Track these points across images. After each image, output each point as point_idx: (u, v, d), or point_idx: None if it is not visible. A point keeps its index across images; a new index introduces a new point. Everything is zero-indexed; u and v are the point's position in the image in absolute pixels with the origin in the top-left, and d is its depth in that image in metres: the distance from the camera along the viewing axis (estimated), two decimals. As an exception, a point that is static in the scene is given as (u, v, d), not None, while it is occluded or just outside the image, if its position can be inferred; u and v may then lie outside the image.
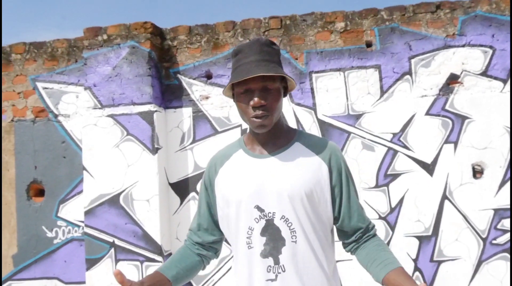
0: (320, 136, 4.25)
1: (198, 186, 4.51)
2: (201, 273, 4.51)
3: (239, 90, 1.57)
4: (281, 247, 1.55)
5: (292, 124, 4.42)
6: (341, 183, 1.63)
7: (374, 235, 1.67)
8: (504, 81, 4.24)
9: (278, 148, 1.63)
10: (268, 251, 1.55)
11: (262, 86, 1.54)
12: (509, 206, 4.18)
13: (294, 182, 1.56)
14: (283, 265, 1.55)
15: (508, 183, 4.19)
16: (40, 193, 4.77)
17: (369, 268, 1.61)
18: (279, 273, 1.55)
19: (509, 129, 4.21)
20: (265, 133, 1.61)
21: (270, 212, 1.56)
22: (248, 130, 1.71)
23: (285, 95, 1.65)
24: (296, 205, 1.55)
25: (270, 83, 1.55)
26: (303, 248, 1.56)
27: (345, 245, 1.69)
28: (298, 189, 1.56)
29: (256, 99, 1.54)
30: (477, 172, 4.26)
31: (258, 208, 1.57)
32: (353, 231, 1.64)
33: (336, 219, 1.65)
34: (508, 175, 4.20)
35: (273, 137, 1.64)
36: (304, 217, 1.56)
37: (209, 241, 1.73)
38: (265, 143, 1.64)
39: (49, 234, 4.67)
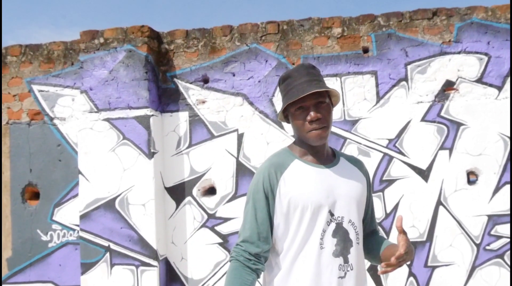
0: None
1: (194, 191, 4.52)
2: (196, 277, 4.51)
3: (294, 109, 1.73)
4: (349, 247, 1.74)
5: (289, 129, 4.43)
6: (370, 194, 1.91)
7: (378, 232, 2.01)
8: (499, 88, 4.27)
9: (330, 161, 1.81)
10: (339, 251, 1.72)
11: (315, 102, 1.71)
12: (502, 213, 4.21)
13: (358, 190, 1.79)
14: (351, 264, 1.73)
15: (502, 190, 4.23)
16: (35, 196, 4.76)
17: (372, 251, 1.87)
18: (348, 271, 1.73)
19: (503, 136, 4.24)
20: (319, 147, 1.78)
21: (339, 216, 1.74)
22: (295, 144, 1.84)
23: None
24: (358, 209, 1.78)
25: (322, 98, 1.72)
26: (362, 249, 1.81)
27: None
28: (360, 196, 1.79)
29: (313, 113, 1.70)
30: (471, 174, 4.29)
31: (330, 212, 1.73)
32: (370, 230, 1.93)
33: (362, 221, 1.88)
34: (502, 181, 4.23)
35: (325, 150, 1.82)
36: (360, 221, 1.81)
37: (266, 250, 1.77)
38: (319, 155, 1.80)
39: (44, 238, 4.66)
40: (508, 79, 4.26)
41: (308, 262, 1.72)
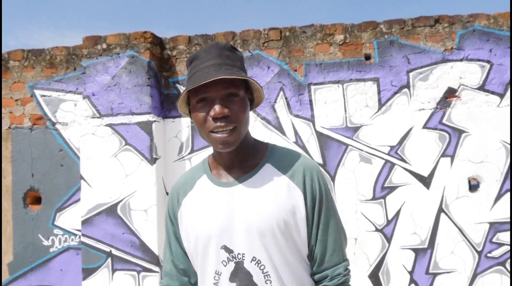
0: (319, 147, 4.27)
1: (196, 196, 4.51)
2: (198, 283, 4.49)
3: (195, 100, 1.31)
4: None
5: (290, 135, 4.43)
6: (317, 212, 1.35)
7: (344, 282, 1.36)
8: (501, 96, 4.28)
9: (245, 173, 1.37)
10: None
11: (224, 93, 1.29)
12: (504, 220, 4.21)
13: (264, 216, 1.30)
14: None
15: (504, 197, 4.23)
16: (37, 201, 4.76)
17: None
18: None
19: (505, 144, 4.24)
20: (229, 154, 1.36)
21: (239, 253, 1.31)
22: (213, 151, 1.44)
23: (251, 109, 1.40)
24: (268, 243, 1.30)
25: (234, 89, 1.30)
26: None
27: None
28: (269, 225, 1.29)
29: (217, 107, 1.27)
30: (472, 179, 4.29)
31: (226, 248, 1.32)
32: (320, 269, 1.37)
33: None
34: (504, 189, 4.23)
35: (239, 159, 1.38)
36: (278, 257, 1.31)
37: (189, 282, 1.47)
38: (231, 166, 1.38)
39: (46, 243, 4.66)
40: (510, 87, 4.26)
41: None
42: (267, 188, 1.33)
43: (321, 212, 1.35)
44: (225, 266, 1.32)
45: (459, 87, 4.32)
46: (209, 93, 1.28)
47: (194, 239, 1.36)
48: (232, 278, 1.31)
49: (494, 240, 4.23)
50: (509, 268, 4.21)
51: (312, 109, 4.44)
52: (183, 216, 1.41)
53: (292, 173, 1.36)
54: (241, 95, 1.32)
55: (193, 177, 1.44)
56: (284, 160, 1.39)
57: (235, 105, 1.30)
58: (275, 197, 1.32)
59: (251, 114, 4.48)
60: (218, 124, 1.28)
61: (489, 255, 4.23)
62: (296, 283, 1.33)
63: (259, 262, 1.30)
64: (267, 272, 1.30)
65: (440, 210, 4.28)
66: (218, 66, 1.29)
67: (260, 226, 1.29)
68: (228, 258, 1.32)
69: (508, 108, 4.26)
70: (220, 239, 1.32)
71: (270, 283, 1.30)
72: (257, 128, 4.48)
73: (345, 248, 1.41)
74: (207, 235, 1.33)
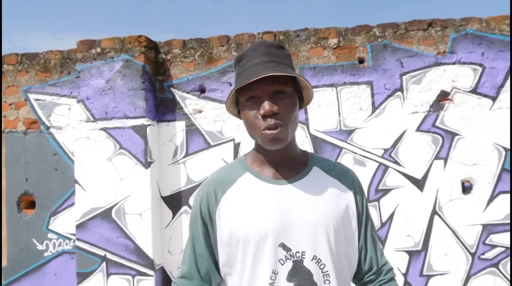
0: (313, 151, 4.29)
1: (191, 200, 4.52)
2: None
3: (244, 99, 1.30)
4: None
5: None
6: (364, 214, 1.41)
7: (390, 280, 1.43)
8: (494, 99, 4.31)
9: (296, 173, 1.36)
10: None
11: (273, 90, 1.27)
12: (497, 222, 4.24)
13: (327, 214, 1.30)
14: None
15: (496, 199, 4.26)
16: (31, 205, 4.75)
17: None
18: None
19: (498, 146, 4.27)
20: (279, 153, 1.34)
21: (298, 252, 1.27)
22: (254, 149, 1.41)
23: (300, 108, 1.38)
24: (330, 241, 1.29)
25: (282, 87, 1.28)
26: None
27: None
28: (331, 222, 1.30)
29: (266, 105, 1.25)
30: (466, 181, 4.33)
31: (284, 246, 1.27)
32: (369, 269, 1.40)
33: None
34: (497, 191, 4.27)
35: (288, 158, 1.37)
36: (336, 256, 1.31)
37: None
38: (279, 165, 1.36)
39: (40, 247, 4.65)
40: (502, 90, 4.30)
41: None
42: (321, 189, 1.34)
43: (367, 212, 1.41)
44: (282, 265, 1.27)
45: (451, 90, 4.35)
46: (257, 91, 1.27)
47: (242, 237, 1.29)
48: (290, 277, 1.26)
49: (487, 241, 4.26)
50: (502, 270, 4.23)
51: (306, 113, 4.46)
52: (224, 214, 1.33)
53: (340, 176, 1.39)
54: (289, 92, 1.30)
55: (230, 174, 1.38)
56: (327, 164, 1.42)
57: (284, 103, 1.28)
58: (331, 197, 1.34)
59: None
60: (268, 122, 1.26)
61: (482, 256, 4.26)
62: (343, 283, 1.33)
63: (319, 260, 1.28)
64: (326, 271, 1.28)
65: (434, 212, 4.31)
66: (266, 63, 1.28)
67: (324, 224, 1.29)
68: (286, 256, 1.27)
69: (501, 110, 4.29)
70: (277, 236, 1.27)
71: (329, 283, 1.28)
72: (251, 132, 4.48)
73: None
74: (262, 233, 1.27)
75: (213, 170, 1.44)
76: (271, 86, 1.26)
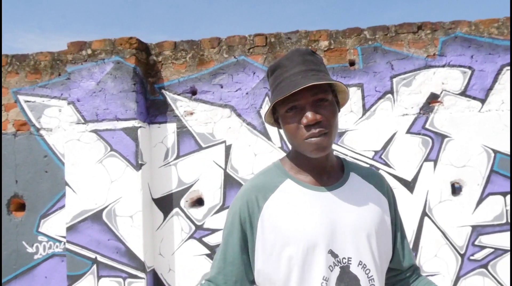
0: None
1: (182, 202, 4.52)
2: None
3: (285, 110, 1.30)
4: None
5: (276, 141, 4.46)
6: (396, 217, 1.46)
7: (420, 274, 1.52)
8: (483, 101, 4.36)
9: (336, 180, 1.38)
10: None
11: (314, 99, 1.28)
12: (486, 223, 4.29)
13: (369, 220, 1.34)
14: None
15: (485, 201, 4.30)
16: (21, 207, 4.72)
17: None
18: None
19: (487, 148, 4.32)
20: (319, 160, 1.35)
21: (345, 258, 1.29)
22: (291, 156, 1.42)
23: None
24: (373, 247, 1.32)
25: (323, 95, 1.29)
26: None
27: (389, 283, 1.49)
28: (374, 228, 1.33)
29: (310, 114, 1.26)
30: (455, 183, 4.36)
31: (332, 253, 1.28)
32: (405, 269, 1.47)
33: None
34: (486, 192, 4.31)
35: (328, 165, 1.38)
36: (378, 261, 1.34)
37: None
38: (320, 172, 1.37)
39: (30, 250, 4.62)
40: (491, 92, 4.35)
41: None
42: (361, 196, 1.37)
43: (398, 217, 1.47)
44: (331, 271, 1.28)
45: (441, 92, 4.39)
46: (298, 101, 1.27)
47: (290, 246, 1.29)
48: (338, 283, 1.28)
49: (476, 243, 4.29)
50: (491, 271, 4.28)
51: (297, 115, 4.46)
52: (266, 221, 1.32)
53: (375, 182, 1.43)
54: (330, 99, 1.31)
55: (271, 180, 1.38)
56: (362, 171, 1.45)
57: (326, 110, 1.29)
58: (370, 203, 1.36)
59: (237, 120, 4.50)
60: (312, 131, 1.27)
61: (471, 257, 4.29)
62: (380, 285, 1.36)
63: (365, 266, 1.30)
64: (371, 276, 1.31)
65: (424, 214, 4.34)
66: (305, 73, 1.28)
67: (367, 230, 1.32)
68: (334, 262, 1.29)
69: (490, 113, 4.33)
70: (326, 243, 1.28)
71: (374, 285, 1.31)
72: (242, 134, 4.50)
73: None
74: (313, 240, 1.28)
75: (251, 177, 1.44)
76: (312, 95, 1.27)
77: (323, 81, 1.25)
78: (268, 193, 1.34)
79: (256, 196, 1.35)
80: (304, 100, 1.27)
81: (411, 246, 4.28)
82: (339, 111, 1.37)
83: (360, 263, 1.30)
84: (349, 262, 1.29)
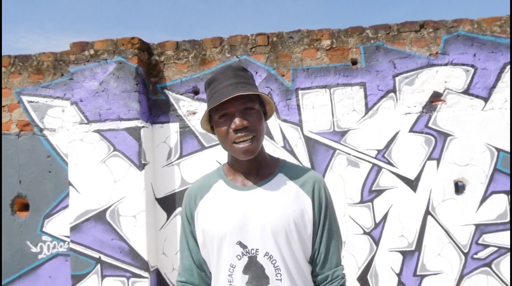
0: (307, 151, 4.31)
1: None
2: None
3: (217, 116, 1.50)
4: (265, 285, 1.48)
5: (279, 140, 4.47)
6: (323, 219, 1.56)
7: None
8: (486, 100, 4.35)
9: (261, 179, 1.56)
10: None
11: (242, 108, 1.48)
12: (489, 222, 4.28)
13: (278, 217, 1.49)
14: None
15: (489, 199, 4.29)
16: (25, 207, 4.73)
17: None
18: None
19: (490, 147, 4.31)
20: (248, 162, 1.54)
21: (253, 249, 1.49)
22: (228, 160, 1.62)
23: (264, 120, 1.59)
24: (280, 240, 1.48)
25: (250, 104, 1.50)
26: (289, 285, 1.50)
27: None
28: (282, 224, 1.49)
29: (237, 120, 1.47)
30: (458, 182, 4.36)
31: (241, 244, 1.49)
32: (322, 271, 1.56)
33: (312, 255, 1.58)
34: (489, 191, 4.30)
35: (256, 166, 1.57)
36: (288, 253, 1.49)
37: (209, 276, 1.61)
38: (248, 173, 1.57)
39: (34, 249, 4.64)
40: (494, 91, 4.33)
41: None
42: (279, 193, 1.53)
43: (326, 218, 1.56)
44: (239, 259, 1.49)
45: (444, 91, 4.38)
46: (229, 109, 1.47)
47: (210, 236, 1.52)
48: (245, 270, 1.48)
49: (480, 241, 4.29)
50: (495, 269, 4.27)
51: (299, 114, 4.47)
52: (200, 215, 1.57)
53: (302, 182, 1.57)
54: (256, 108, 1.51)
55: (208, 181, 1.61)
56: (294, 172, 1.60)
57: (252, 117, 1.49)
58: (286, 201, 1.52)
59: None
60: (239, 134, 1.47)
61: (475, 256, 4.29)
62: (301, 280, 1.52)
63: (271, 257, 1.48)
64: (278, 266, 1.48)
65: (427, 212, 4.34)
66: (235, 85, 1.49)
67: (274, 225, 1.48)
68: (242, 252, 1.49)
69: (493, 111, 4.33)
70: (235, 235, 1.49)
71: (280, 276, 1.48)
72: (245, 133, 4.49)
73: (341, 254, 1.62)
74: (223, 232, 1.50)
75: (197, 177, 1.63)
76: (240, 104, 1.47)
77: (249, 92, 1.46)
78: (204, 192, 1.59)
79: (195, 194, 1.60)
80: (234, 108, 1.47)
81: (414, 245, 4.29)
82: (266, 120, 1.58)
83: (267, 254, 1.48)
84: (257, 252, 1.48)
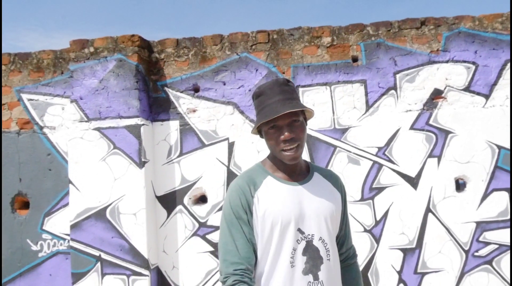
0: (307, 148, 4.31)
1: (185, 199, 4.52)
2: (188, 285, 4.48)
3: (268, 127, 1.77)
4: (320, 265, 1.77)
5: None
6: (345, 209, 1.96)
7: (355, 259, 2.03)
8: (487, 97, 4.33)
9: (304, 177, 1.85)
10: (308, 269, 1.75)
11: (289, 121, 1.74)
12: (490, 219, 4.27)
13: (327, 207, 1.81)
14: (322, 281, 1.76)
15: (490, 197, 4.28)
16: (25, 205, 4.73)
17: None
18: None
19: (491, 144, 4.30)
20: (293, 164, 1.81)
21: (309, 234, 1.77)
22: (270, 159, 1.86)
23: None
24: (329, 227, 1.81)
25: (295, 117, 1.75)
26: (334, 264, 1.82)
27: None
28: (329, 213, 1.81)
29: (286, 133, 1.73)
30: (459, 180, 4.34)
31: (300, 230, 1.76)
32: (346, 248, 1.98)
33: (336, 237, 1.93)
34: (490, 188, 4.29)
35: (298, 167, 1.85)
36: (332, 238, 1.83)
37: (252, 265, 1.76)
38: (292, 172, 1.84)
39: (34, 248, 4.64)
40: (495, 88, 4.32)
41: (279, 280, 1.73)
42: (321, 189, 1.85)
43: (346, 208, 1.96)
44: (298, 243, 1.75)
45: (445, 88, 4.37)
46: (278, 122, 1.74)
47: (272, 223, 1.73)
48: (304, 252, 1.75)
49: (481, 239, 4.28)
50: (495, 267, 4.26)
51: (300, 111, 4.45)
52: (261, 206, 1.76)
53: (332, 181, 1.92)
54: (300, 120, 1.78)
55: (256, 177, 1.82)
56: (323, 172, 1.94)
57: (298, 129, 1.76)
58: (328, 195, 1.85)
59: (240, 117, 4.50)
60: (287, 145, 1.74)
61: (476, 254, 4.28)
62: (337, 258, 1.86)
63: (323, 240, 1.78)
64: (328, 248, 1.79)
65: (428, 210, 4.33)
66: (283, 101, 1.74)
67: (325, 214, 1.79)
68: (301, 237, 1.76)
69: (494, 108, 4.31)
70: (296, 223, 1.75)
71: (329, 256, 1.79)
72: (245, 131, 4.49)
73: None
74: (286, 220, 1.74)
75: (239, 175, 1.87)
76: (288, 118, 1.73)
77: (296, 109, 1.72)
78: (257, 186, 1.80)
79: (249, 187, 1.78)
80: (282, 122, 1.74)
81: (414, 243, 4.30)
82: (306, 124, 1.84)
83: (320, 238, 1.78)
84: (312, 237, 1.77)
